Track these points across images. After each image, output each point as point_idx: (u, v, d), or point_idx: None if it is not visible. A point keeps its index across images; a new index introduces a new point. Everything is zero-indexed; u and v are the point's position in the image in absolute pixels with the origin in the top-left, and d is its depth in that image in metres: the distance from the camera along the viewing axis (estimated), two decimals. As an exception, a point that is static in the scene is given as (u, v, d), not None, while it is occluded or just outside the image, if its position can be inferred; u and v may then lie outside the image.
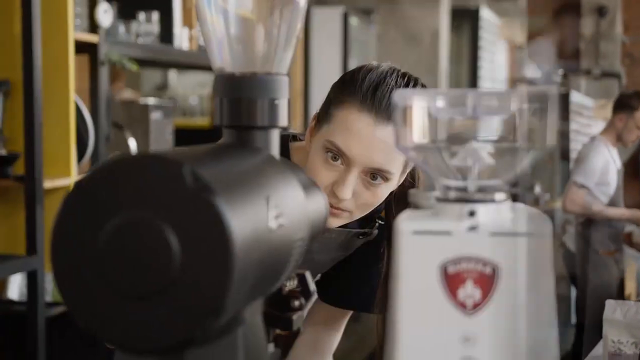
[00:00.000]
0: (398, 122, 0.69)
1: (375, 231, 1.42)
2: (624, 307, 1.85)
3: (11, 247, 2.44)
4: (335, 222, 1.30)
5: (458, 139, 0.71)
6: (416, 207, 0.76)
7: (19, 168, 2.40)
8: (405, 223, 0.68)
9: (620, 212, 4.41)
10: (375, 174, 1.25)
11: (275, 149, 0.79)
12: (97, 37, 2.67)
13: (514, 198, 0.75)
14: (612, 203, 4.37)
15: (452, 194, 0.69)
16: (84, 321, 0.62)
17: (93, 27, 2.66)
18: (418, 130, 0.70)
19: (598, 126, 8.40)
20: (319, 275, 1.50)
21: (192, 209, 0.59)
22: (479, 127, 0.71)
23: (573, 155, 6.82)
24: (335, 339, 1.53)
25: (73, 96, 2.50)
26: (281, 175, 0.74)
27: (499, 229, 0.66)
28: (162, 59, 3.20)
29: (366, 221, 1.41)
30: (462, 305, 0.67)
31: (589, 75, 7.37)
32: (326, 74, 5.40)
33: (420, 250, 0.67)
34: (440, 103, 0.69)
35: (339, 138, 1.24)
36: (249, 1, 0.79)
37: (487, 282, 0.66)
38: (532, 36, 9.84)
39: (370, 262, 1.43)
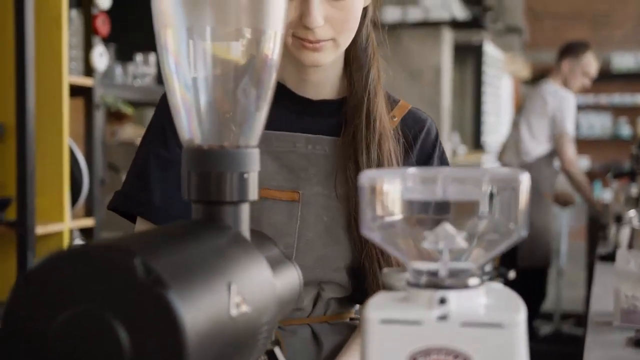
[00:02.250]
0: (365, 203, 0.66)
1: None
2: (639, 257, 1.63)
3: (2, 294, 2.41)
4: (322, 58, 1.18)
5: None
6: (389, 288, 0.73)
7: (11, 213, 2.38)
8: (374, 311, 0.65)
9: (592, 197, 4.61)
10: None
11: (244, 225, 0.76)
12: (92, 81, 2.66)
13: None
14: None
15: (423, 279, 0.66)
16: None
17: (89, 70, 2.65)
18: (386, 212, 0.67)
19: (506, 79, 8.45)
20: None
21: (144, 303, 0.57)
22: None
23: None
24: None
25: (67, 140, 2.48)
26: (247, 255, 0.71)
27: (471, 318, 0.63)
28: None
29: None
30: (432, 399, 0.63)
31: (496, 24, 7.41)
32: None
33: (388, 340, 0.64)
34: (410, 183, 0.66)
35: None
36: (218, 69, 0.77)
37: (459, 374, 0.63)
38: (536, 70, 9.89)
39: None
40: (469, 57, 7.14)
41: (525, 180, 0.64)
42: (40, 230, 2.39)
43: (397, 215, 0.67)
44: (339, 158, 1.23)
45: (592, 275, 2.90)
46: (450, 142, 6.02)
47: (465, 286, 0.65)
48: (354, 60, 1.26)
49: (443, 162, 1.31)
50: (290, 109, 1.25)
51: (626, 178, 4.47)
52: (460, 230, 0.66)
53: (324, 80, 1.27)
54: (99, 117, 2.68)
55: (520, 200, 0.65)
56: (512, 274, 4.33)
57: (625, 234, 2.81)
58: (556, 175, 4.49)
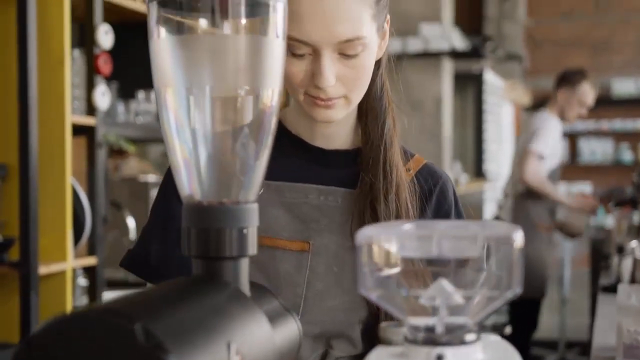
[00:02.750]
0: (362, 261, 0.68)
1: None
2: None
3: (5, 335, 2.41)
4: (334, 114, 1.17)
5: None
6: (387, 342, 0.74)
7: (14, 253, 2.39)
8: (372, 368, 0.65)
9: (570, 199, 4.47)
10: (348, 47, 1.12)
11: (244, 279, 0.77)
12: (95, 120, 2.68)
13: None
14: (551, 176, 4.41)
15: (420, 335, 0.67)
16: None
17: (91, 109, 2.67)
18: (383, 269, 0.68)
19: (507, 106, 8.44)
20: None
21: (144, 368, 0.57)
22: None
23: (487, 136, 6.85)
24: None
25: (70, 180, 2.50)
26: (246, 312, 0.72)
27: (468, 375, 0.64)
28: (161, 137, 3.21)
29: None
30: None
31: (495, 52, 7.40)
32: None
33: (386, 397, 0.65)
34: (406, 241, 0.67)
35: (290, 29, 1.07)
36: (217, 127, 0.78)
37: None
38: (537, 97, 9.93)
39: None
40: (469, 85, 7.17)
41: (519, 238, 0.65)
42: (43, 270, 2.39)
43: (394, 272, 0.69)
44: (356, 208, 1.21)
45: (595, 304, 2.90)
46: (452, 171, 6.04)
47: (462, 342, 0.66)
48: (369, 111, 1.25)
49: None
50: (304, 160, 1.25)
51: (628, 206, 4.46)
52: (456, 286, 0.67)
53: (337, 131, 1.26)
54: (101, 155, 2.70)
55: (514, 258, 0.66)
56: (508, 330, 4.30)
57: (627, 265, 2.81)
58: (554, 206, 4.46)
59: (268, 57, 0.76)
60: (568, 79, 4.42)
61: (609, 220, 5.73)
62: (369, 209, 1.20)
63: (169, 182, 1.26)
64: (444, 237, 0.67)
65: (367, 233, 0.68)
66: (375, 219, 1.19)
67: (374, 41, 1.17)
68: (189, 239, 0.76)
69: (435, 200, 1.28)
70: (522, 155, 4.29)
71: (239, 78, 0.76)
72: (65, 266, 2.50)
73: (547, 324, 6.02)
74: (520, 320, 4.40)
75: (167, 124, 0.77)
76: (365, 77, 1.17)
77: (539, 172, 4.26)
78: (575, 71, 4.55)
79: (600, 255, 4.38)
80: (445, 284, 0.67)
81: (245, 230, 0.76)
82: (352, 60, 1.14)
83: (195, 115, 0.76)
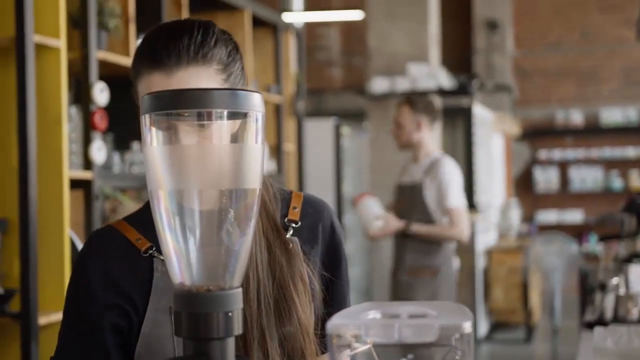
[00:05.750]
0: (332, 348, 0.77)
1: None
2: (615, 333, 1.74)
3: (7, 386, 2.49)
4: None
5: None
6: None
7: (15, 304, 2.47)
8: None
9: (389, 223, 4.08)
10: None
11: (230, 356, 0.86)
12: (91, 174, 2.77)
13: None
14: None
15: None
16: None
17: (88, 163, 2.77)
18: (351, 352, 0.77)
19: (497, 138, 8.51)
20: None
21: None
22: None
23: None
24: None
25: (68, 232, 2.59)
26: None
27: None
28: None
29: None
30: None
31: (483, 89, 7.42)
32: (320, 185, 5.55)
33: None
34: (371, 330, 0.77)
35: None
36: (205, 222, 0.88)
37: None
38: (526, 127, 10.07)
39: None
40: (458, 119, 7.28)
41: (467, 326, 0.75)
42: (43, 320, 2.48)
43: (361, 355, 0.78)
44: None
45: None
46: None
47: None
48: None
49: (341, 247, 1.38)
50: None
51: (614, 240, 4.53)
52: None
53: None
54: (98, 207, 2.80)
55: (464, 342, 0.75)
56: None
57: (610, 302, 2.89)
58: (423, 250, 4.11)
59: (249, 161, 0.87)
60: None
61: (599, 248, 5.81)
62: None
63: (87, 283, 1.30)
64: (404, 325, 0.76)
65: (336, 322, 0.77)
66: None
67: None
68: (180, 322, 0.86)
69: (321, 231, 1.35)
70: None
71: (224, 180, 0.86)
72: (64, 316, 2.58)
73: (540, 353, 6.08)
74: None
75: (160, 219, 0.87)
76: None
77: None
78: None
79: (587, 287, 4.45)
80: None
81: (230, 313, 0.86)
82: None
83: (185, 213, 0.86)
